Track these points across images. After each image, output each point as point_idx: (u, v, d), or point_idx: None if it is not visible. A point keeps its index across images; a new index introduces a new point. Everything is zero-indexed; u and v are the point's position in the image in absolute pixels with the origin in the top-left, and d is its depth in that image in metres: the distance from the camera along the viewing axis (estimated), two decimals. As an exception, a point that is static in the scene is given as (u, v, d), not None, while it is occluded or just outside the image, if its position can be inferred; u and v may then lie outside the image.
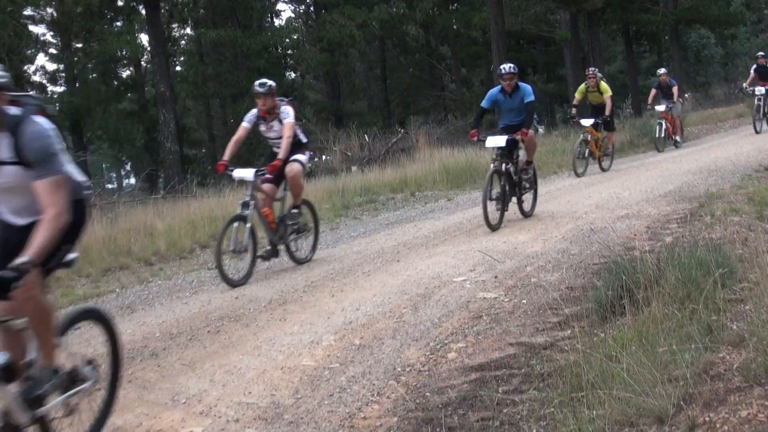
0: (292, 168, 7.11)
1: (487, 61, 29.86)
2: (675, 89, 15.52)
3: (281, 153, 6.93)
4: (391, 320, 5.08)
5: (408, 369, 4.19)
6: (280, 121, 7.12)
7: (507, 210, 8.22)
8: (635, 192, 9.53)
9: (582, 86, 13.18)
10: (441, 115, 26.50)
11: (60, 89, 28.26)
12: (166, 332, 5.32)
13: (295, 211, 7.33)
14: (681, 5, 28.39)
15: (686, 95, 18.09)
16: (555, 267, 6.07)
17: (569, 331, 4.25)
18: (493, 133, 8.58)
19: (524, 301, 5.22)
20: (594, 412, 3.02)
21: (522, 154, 8.54)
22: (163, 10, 24.61)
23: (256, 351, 4.67)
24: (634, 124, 19.78)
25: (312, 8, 33.27)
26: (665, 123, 15.44)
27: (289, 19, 36.29)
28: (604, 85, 12.77)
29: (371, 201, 11.83)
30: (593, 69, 13.26)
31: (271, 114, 7.17)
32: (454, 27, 30.38)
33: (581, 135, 12.69)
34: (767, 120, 16.29)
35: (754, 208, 6.93)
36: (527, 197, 8.69)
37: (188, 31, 31.09)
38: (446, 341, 4.57)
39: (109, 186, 33.73)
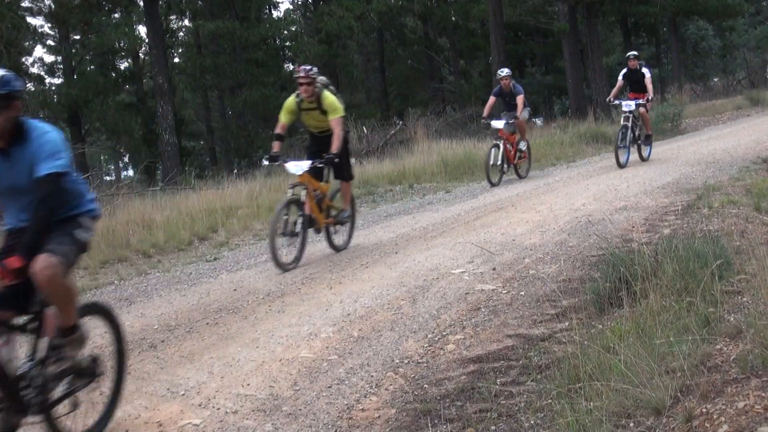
0: None
1: (486, 53, 29.78)
2: (520, 99, 11.43)
3: None
4: (389, 312, 5.09)
5: (406, 361, 4.20)
6: None
7: None
8: (633, 184, 9.54)
9: (291, 99, 7.21)
10: (439, 107, 26.58)
11: (58, 81, 28.16)
12: (165, 324, 5.33)
13: None
14: (679, -4, 28.34)
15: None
16: (553, 259, 6.08)
17: (567, 323, 4.26)
18: None
19: (522, 293, 5.23)
20: (591, 404, 3.03)
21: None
22: (161, 2, 24.53)
23: (255, 343, 4.68)
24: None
25: (310, 0, 33.19)
26: (503, 144, 11.38)
27: (287, 11, 36.30)
28: (329, 97, 7.01)
29: (369, 193, 11.82)
30: (306, 67, 7.06)
31: None
32: (453, 19, 30.33)
33: (289, 191, 7.02)
34: (638, 146, 12.15)
35: (752, 200, 6.94)
36: None
37: (186, 22, 31.04)
38: (444, 333, 4.58)
39: (107, 178, 33.54)
